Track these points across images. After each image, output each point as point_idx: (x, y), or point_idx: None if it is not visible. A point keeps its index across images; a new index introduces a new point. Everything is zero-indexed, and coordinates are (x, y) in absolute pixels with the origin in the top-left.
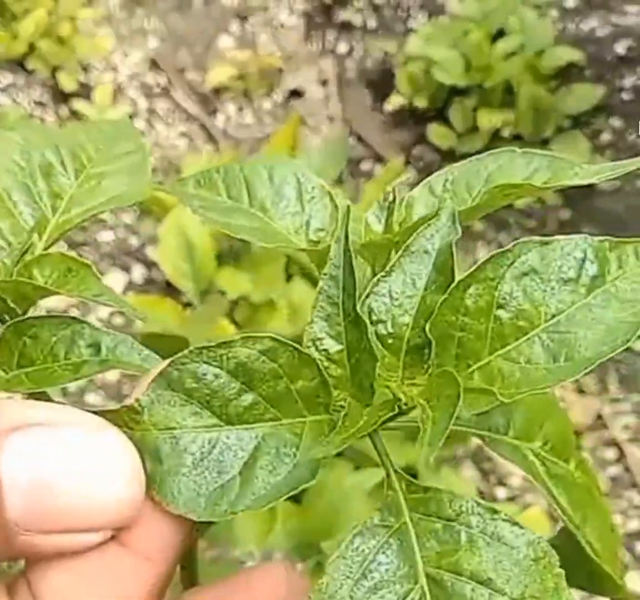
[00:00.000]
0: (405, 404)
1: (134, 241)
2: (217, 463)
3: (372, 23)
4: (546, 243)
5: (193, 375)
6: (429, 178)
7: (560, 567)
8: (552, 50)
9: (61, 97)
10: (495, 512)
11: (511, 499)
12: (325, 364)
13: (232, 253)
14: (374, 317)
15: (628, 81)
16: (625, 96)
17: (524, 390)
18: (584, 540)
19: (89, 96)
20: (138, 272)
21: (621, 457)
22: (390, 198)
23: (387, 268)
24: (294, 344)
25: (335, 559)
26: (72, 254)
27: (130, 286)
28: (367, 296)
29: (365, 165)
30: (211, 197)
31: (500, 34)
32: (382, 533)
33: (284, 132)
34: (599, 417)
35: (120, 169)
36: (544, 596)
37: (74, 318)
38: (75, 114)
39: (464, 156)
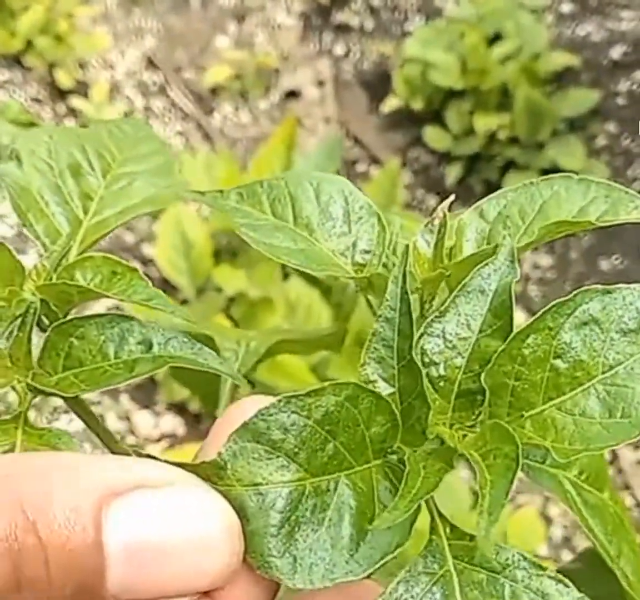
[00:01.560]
0: (461, 455)
1: (129, 238)
2: (307, 521)
3: (369, 25)
4: (608, 291)
5: (281, 426)
6: (480, 202)
7: (586, 592)
8: (548, 55)
9: (58, 94)
10: (541, 568)
11: None
12: None
13: (229, 250)
14: (427, 359)
15: (623, 86)
16: (620, 101)
17: (578, 448)
18: (619, 572)
19: (86, 93)
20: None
21: (614, 459)
22: (440, 221)
23: (442, 307)
24: (375, 390)
25: None
26: None
27: None
28: (420, 336)
29: (361, 167)
30: (255, 213)
31: (496, 37)
32: (425, 581)
33: (281, 133)
34: None
35: (147, 170)
36: None
37: (121, 315)
38: (72, 111)
39: (460, 158)
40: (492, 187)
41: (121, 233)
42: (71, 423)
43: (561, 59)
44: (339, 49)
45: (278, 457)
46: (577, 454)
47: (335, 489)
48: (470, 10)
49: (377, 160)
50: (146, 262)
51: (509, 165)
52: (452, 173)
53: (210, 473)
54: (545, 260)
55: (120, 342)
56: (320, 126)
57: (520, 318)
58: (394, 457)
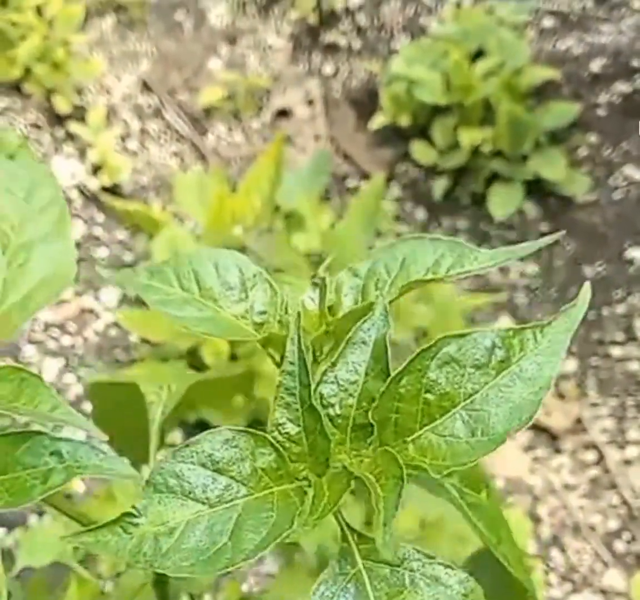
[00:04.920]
0: (357, 478)
1: (128, 257)
2: (209, 537)
3: (356, 45)
4: (462, 335)
5: (173, 475)
6: (351, 264)
7: (484, 584)
8: (530, 69)
9: (56, 119)
10: (432, 557)
11: None
12: (287, 444)
13: None
14: (325, 401)
15: (603, 98)
16: (600, 112)
17: (450, 464)
18: (501, 555)
19: (84, 118)
20: None
21: (600, 459)
22: (322, 282)
23: (333, 359)
24: (249, 429)
25: None
26: None
27: (124, 300)
28: (318, 384)
29: (351, 182)
30: (165, 288)
31: (479, 53)
32: (341, 580)
33: (270, 151)
34: (579, 421)
35: (43, 235)
36: None
37: (34, 431)
38: (70, 136)
39: (446, 172)
40: (478, 198)
41: (120, 252)
42: None
43: (542, 73)
44: (328, 69)
45: (177, 498)
46: (449, 469)
47: (235, 511)
48: (454, 28)
49: (367, 176)
50: None
51: (494, 178)
52: (439, 186)
53: (126, 524)
54: (531, 268)
55: (36, 454)
56: (310, 144)
57: (506, 324)
58: (305, 482)
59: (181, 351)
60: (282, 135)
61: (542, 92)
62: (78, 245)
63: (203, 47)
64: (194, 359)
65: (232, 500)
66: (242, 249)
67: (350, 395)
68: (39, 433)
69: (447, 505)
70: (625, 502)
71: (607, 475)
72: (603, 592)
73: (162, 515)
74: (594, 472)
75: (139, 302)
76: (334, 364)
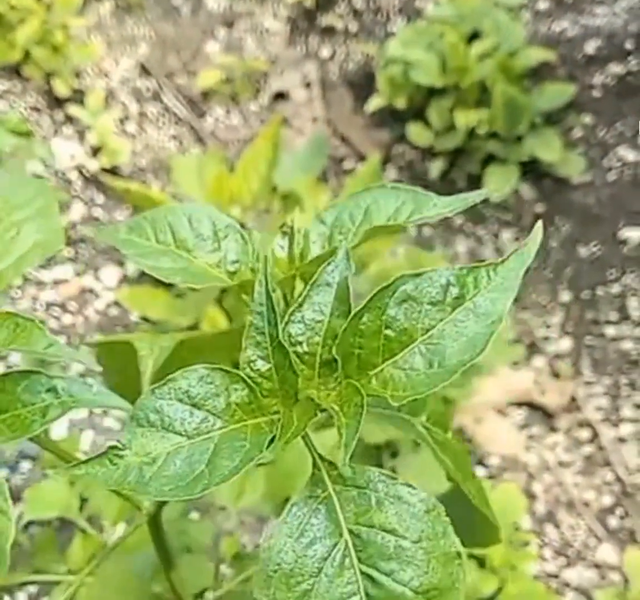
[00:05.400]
0: (323, 410)
1: None
2: (188, 465)
3: (353, 27)
4: (418, 275)
5: (153, 411)
6: (319, 211)
7: (453, 521)
8: (525, 51)
9: (56, 102)
10: (395, 479)
11: (491, 477)
12: (258, 380)
13: None
14: (293, 340)
15: (598, 79)
16: (595, 93)
17: (409, 394)
18: (467, 490)
19: (82, 101)
20: (132, 266)
21: (594, 437)
22: (290, 229)
23: (300, 300)
24: (222, 367)
25: (278, 523)
26: (70, 251)
27: (124, 279)
28: (286, 323)
29: (348, 164)
30: (141, 241)
31: (475, 36)
32: (312, 502)
33: (267, 133)
34: (573, 399)
35: (31, 215)
36: (435, 538)
37: (31, 370)
38: (69, 119)
39: (442, 153)
40: (474, 179)
41: None
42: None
43: (538, 55)
44: (325, 52)
45: (157, 431)
46: (408, 398)
47: (212, 442)
48: (450, 11)
49: (364, 157)
50: None
51: (490, 159)
52: (436, 167)
53: (113, 455)
54: None
55: (34, 391)
56: (308, 126)
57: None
58: (276, 415)
59: (181, 328)
60: (278, 116)
61: (538, 74)
62: (77, 226)
63: (201, 30)
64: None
65: (208, 432)
66: None
67: (317, 333)
68: (36, 372)
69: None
70: (618, 479)
71: (601, 453)
72: (596, 566)
73: (145, 447)
74: (588, 449)
75: (139, 281)
76: (300, 305)
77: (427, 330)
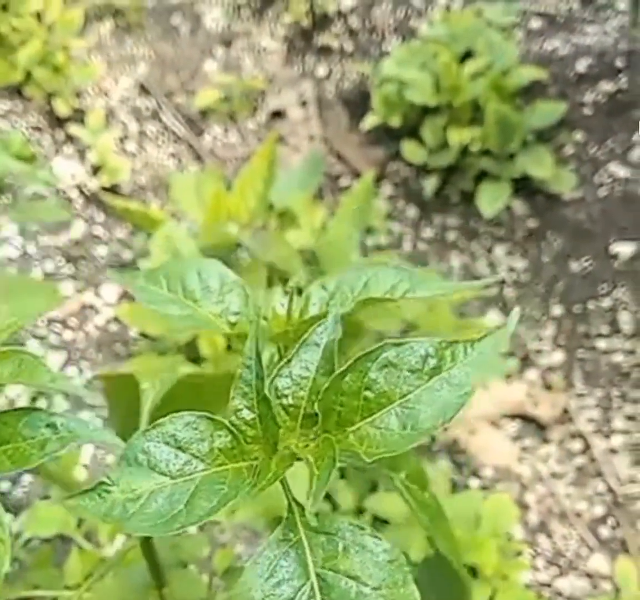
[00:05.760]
0: (300, 459)
1: (127, 255)
2: (169, 504)
3: (349, 47)
4: (400, 344)
5: (141, 451)
6: (322, 279)
7: (436, 581)
8: (517, 70)
9: (57, 122)
10: (363, 529)
11: (484, 488)
12: (242, 427)
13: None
14: (279, 393)
15: (589, 97)
16: (586, 111)
17: (383, 451)
18: (440, 545)
19: (83, 121)
20: None
21: (586, 448)
22: (291, 291)
23: (289, 356)
24: (208, 414)
25: (250, 564)
26: (71, 267)
27: (124, 295)
28: (275, 377)
29: (344, 181)
30: (155, 289)
31: (468, 55)
32: (284, 545)
33: (263, 151)
34: (565, 411)
35: None
36: (395, 586)
37: (31, 408)
38: (70, 138)
39: (436, 171)
40: (467, 196)
41: (119, 250)
42: None
43: (530, 73)
44: (321, 71)
45: (144, 471)
46: (381, 455)
47: (193, 483)
48: (443, 30)
49: (359, 175)
50: None
51: (483, 176)
52: (430, 184)
53: (102, 491)
54: (520, 263)
55: (34, 426)
56: (304, 144)
57: (495, 318)
58: (257, 461)
59: (179, 344)
60: (275, 134)
61: (530, 92)
62: (78, 243)
63: (199, 50)
64: (191, 352)
65: (191, 474)
66: (237, 246)
67: (302, 388)
68: (37, 409)
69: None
70: (610, 490)
71: (593, 464)
72: (588, 575)
73: (131, 484)
74: (580, 460)
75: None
76: (289, 361)
77: (404, 395)
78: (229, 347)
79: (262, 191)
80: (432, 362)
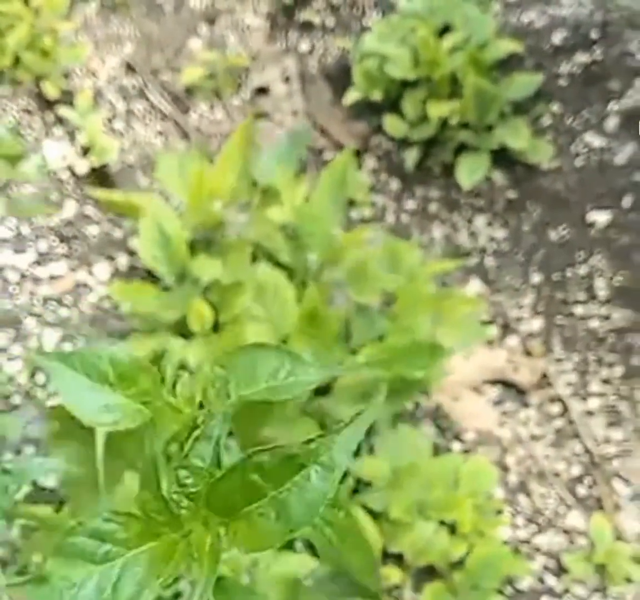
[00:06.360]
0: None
1: (117, 233)
2: (98, 590)
3: (330, 22)
4: (272, 448)
5: (72, 545)
6: (215, 366)
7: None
8: (495, 43)
9: (46, 104)
10: None
11: (466, 451)
12: (152, 515)
13: (204, 241)
14: (181, 482)
15: (564, 68)
16: (562, 82)
17: (257, 548)
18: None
19: (72, 102)
20: (123, 260)
21: (564, 411)
22: (186, 381)
23: (187, 450)
24: (120, 511)
25: None
26: (64, 247)
27: (116, 273)
28: (177, 467)
29: (327, 155)
30: (69, 372)
31: (446, 29)
32: None
33: (241, 130)
34: (544, 376)
35: None
36: None
37: None
38: (60, 120)
39: (417, 143)
40: (448, 167)
41: (110, 229)
42: None
43: (506, 46)
44: (304, 46)
45: (76, 561)
46: (256, 551)
47: (117, 568)
48: (421, 4)
49: (343, 148)
50: (133, 254)
51: (462, 148)
52: (411, 157)
53: (38, 580)
54: (500, 233)
55: None
56: (288, 119)
57: (477, 287)
58: (167, 542)
59: (168, 323)
60: (254, 113)
61: (507, 64)
62: (71, 223)
63: (184, 28)
64: (181, 327)
65: (113, 559)
66: (222, 224)
67: (200, 477)
68: None
69: (418, 454)
70: (587, 450)
71: (570, 426)
72: (565, 532)
73: (66, 573)
74: (558, 423)
75: (129, 275)
76: (186, 455)
77: (280, 492)
78: (216, 325)
79: (242, 168)
80: (299, 459)
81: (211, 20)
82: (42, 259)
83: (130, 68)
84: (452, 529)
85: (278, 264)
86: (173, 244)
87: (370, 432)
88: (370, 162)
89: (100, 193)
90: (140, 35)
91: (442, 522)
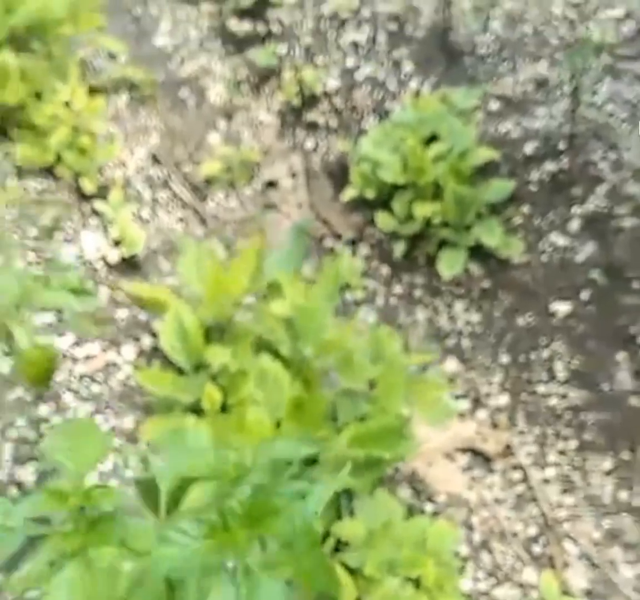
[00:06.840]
0: None
1: (142, 316)
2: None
3: (333, 123)
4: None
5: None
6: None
7: None
8: (474, 151)
9: (83, 198)
10: None
11: (436, 513)
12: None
13: (218, 329)
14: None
15: (534, 176)
16: (532, 188)
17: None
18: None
19: (106, 196)
20: (147, 341)
21: (525, 478)
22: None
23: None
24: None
25: None
26: (97, 330)
27: (141, 353)
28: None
29: (327, 242)
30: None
31: (433, 137)
32: None
33: (251, 246)
34: (508, 446)
35: None
36: None
37: None
38: (95, 212)
39: (404, 237)
40: (431, 259)
41: (137, 313)
42: None
43: (485, 154)
44: (309, 144)
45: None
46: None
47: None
48: (411, 115)
49: (341, 237)
50: (155, 335)
51: (443, 243)
52: (399, 249)
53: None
54: (475, 317)
55: None
56: (294, 211)
57: (453, 365)
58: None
59: (184, 405)
60: (263, 204)
61: (485, 170)
62: (103, 308)
63: (204, 122)
64: (194, 405)
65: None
66: (233, 316)
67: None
68: None
69: (392, 516)
70: (543, 514)
71: (529, 492)
72: (520, 585)
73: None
74: (519, 488)
75: (152, 356)
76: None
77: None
78: (223, 407)
79: (254, 271)
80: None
81: (229, 116)
82: (80, 340)
83: (155, 159)
84: (417, 583)
85: (277, 354)
86: (190, 337)
87: (351, 497)
88: (363, 249)
89: (129, 286)
90: (165, 128)
91: (408, 578)
